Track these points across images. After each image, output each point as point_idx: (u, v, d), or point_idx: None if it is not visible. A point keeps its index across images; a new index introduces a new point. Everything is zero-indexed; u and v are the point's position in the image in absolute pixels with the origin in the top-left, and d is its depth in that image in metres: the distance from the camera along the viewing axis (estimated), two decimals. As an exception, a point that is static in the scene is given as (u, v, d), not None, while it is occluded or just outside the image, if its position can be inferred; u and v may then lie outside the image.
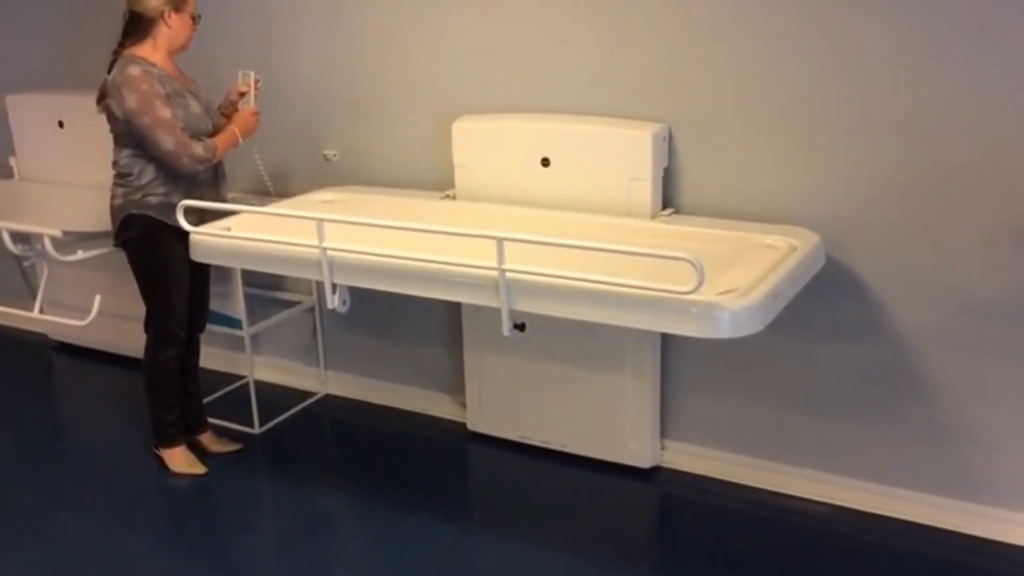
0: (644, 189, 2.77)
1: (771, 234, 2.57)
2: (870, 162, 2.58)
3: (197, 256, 2.74)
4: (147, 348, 3.11)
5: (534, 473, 3.14)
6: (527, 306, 2.28)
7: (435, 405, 3.52)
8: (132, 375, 3.92)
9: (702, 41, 2.70)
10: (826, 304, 2.70)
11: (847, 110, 2.57)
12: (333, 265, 2.49)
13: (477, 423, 3.33)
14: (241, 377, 3.69)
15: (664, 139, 2.78)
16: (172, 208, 2.83)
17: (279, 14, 3.38)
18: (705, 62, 2.71)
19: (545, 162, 2.89)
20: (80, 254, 3.30)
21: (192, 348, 3.26)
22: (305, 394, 3.73)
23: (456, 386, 3.44)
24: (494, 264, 2.22)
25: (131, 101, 2.78)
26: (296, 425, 3.55)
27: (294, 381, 3.80)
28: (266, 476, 3.20)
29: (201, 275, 3.13)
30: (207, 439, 3.33)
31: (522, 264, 2.22)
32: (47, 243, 3.19)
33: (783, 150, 2.68)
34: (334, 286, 2.52)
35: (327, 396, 3.74)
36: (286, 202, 3.11)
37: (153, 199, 2.90)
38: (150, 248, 2.96)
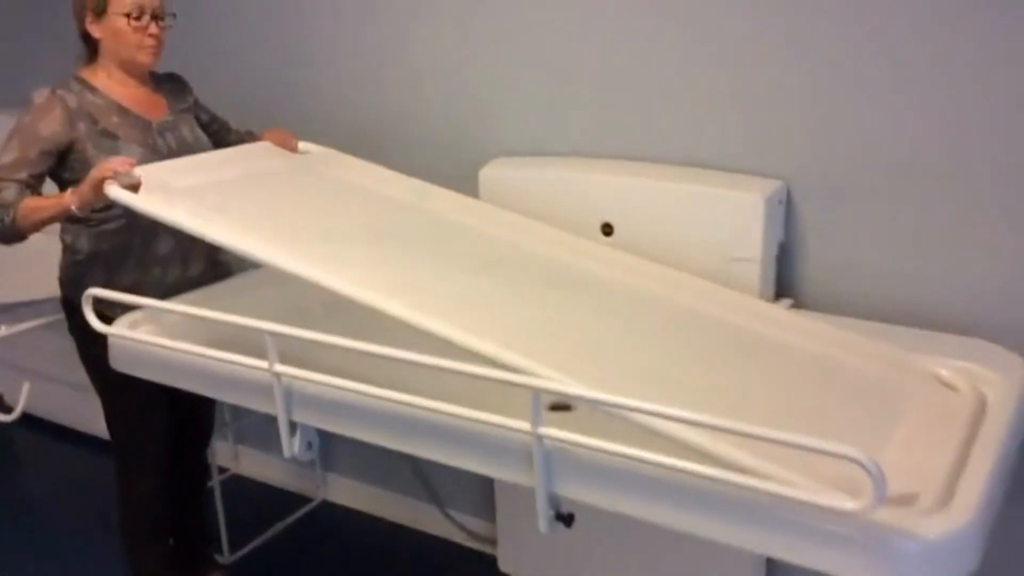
0: (750, 273, 1.92)
1: (944, 356, 1.70)
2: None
3: (117, 364, 1.96)
4: (116, 475, 2.32)
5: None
6: (575, 491, 1.46)
7: (458, 529, 2.71)
8: (92, 457, 3.23)
9: (841, 59, 1.85)
10: None
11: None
12: (291, 396, 1.71)
13: (511, 563, 2.50)
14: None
15: (780, 203, 1.93)
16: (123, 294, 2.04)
17: (264, 32, 2.61)
18: (845, 91, 1.86)
19: (607, 229, 2.07)
20: (3, 330, 2.57)
21: (192, 472, 2.47)
22: (296, 500, 2.94)
23: (485, 508, 2.63)
24: (526, 425, 1.42)
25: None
26: (283, 542, 2.77)
27: (282, 481, 3.02)
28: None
29: None
30: None
31: (568, 427, 1.41)
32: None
33: (961, 222, 1.80)
34: (293, 425, 1.73)
35: (324, 504, 2.95)
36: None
37: (92, 281, 2.07)
38: (98, 353, 2.06)
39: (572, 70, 2.16)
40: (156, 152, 2.10)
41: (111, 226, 2.09)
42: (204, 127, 2.29)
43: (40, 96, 2.04)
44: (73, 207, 1.91)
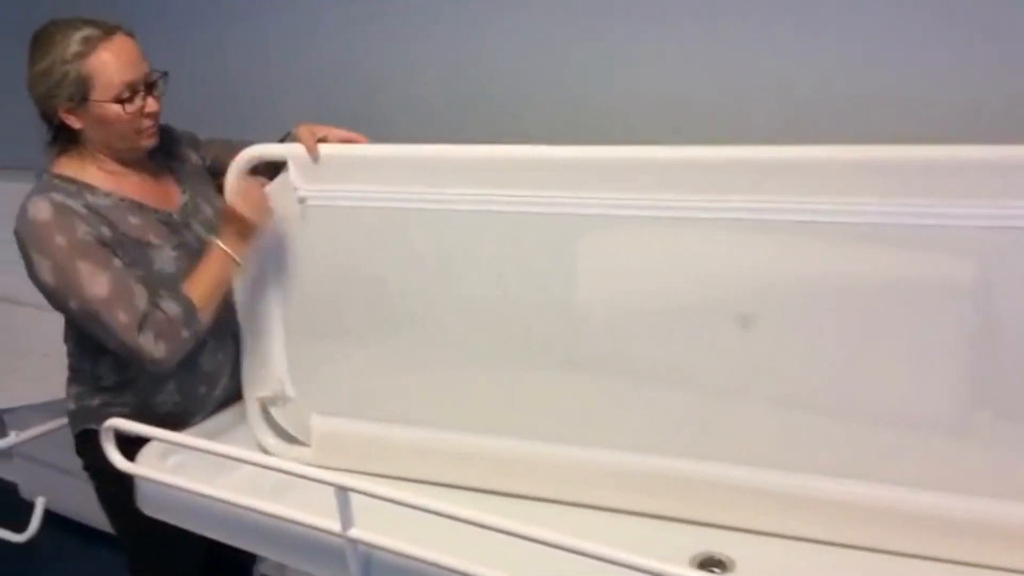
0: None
1: None
2: None
3: (145, 506, 1.60)
4: None
5: None
6: None
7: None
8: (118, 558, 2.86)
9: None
10: None
11: None
12: (370, 565, 1.33)
13: None
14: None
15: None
16: (164, 421, 1.65)
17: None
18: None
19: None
20: (13, 437, 2.23)
21: None
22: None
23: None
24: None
25: (45, 271, 1.57)
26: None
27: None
28: None
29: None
30: None
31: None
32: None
33: None
34: (372, 600, 1.36)
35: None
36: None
37: (122, 408, 1.71)
38: (127, 494, 1.66)
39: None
40: (187, 250, 1.71)
41: None
42: (212, 174, 1.86)
43: (41, 211, 1.57)
44: (228, 250, 1.63)
